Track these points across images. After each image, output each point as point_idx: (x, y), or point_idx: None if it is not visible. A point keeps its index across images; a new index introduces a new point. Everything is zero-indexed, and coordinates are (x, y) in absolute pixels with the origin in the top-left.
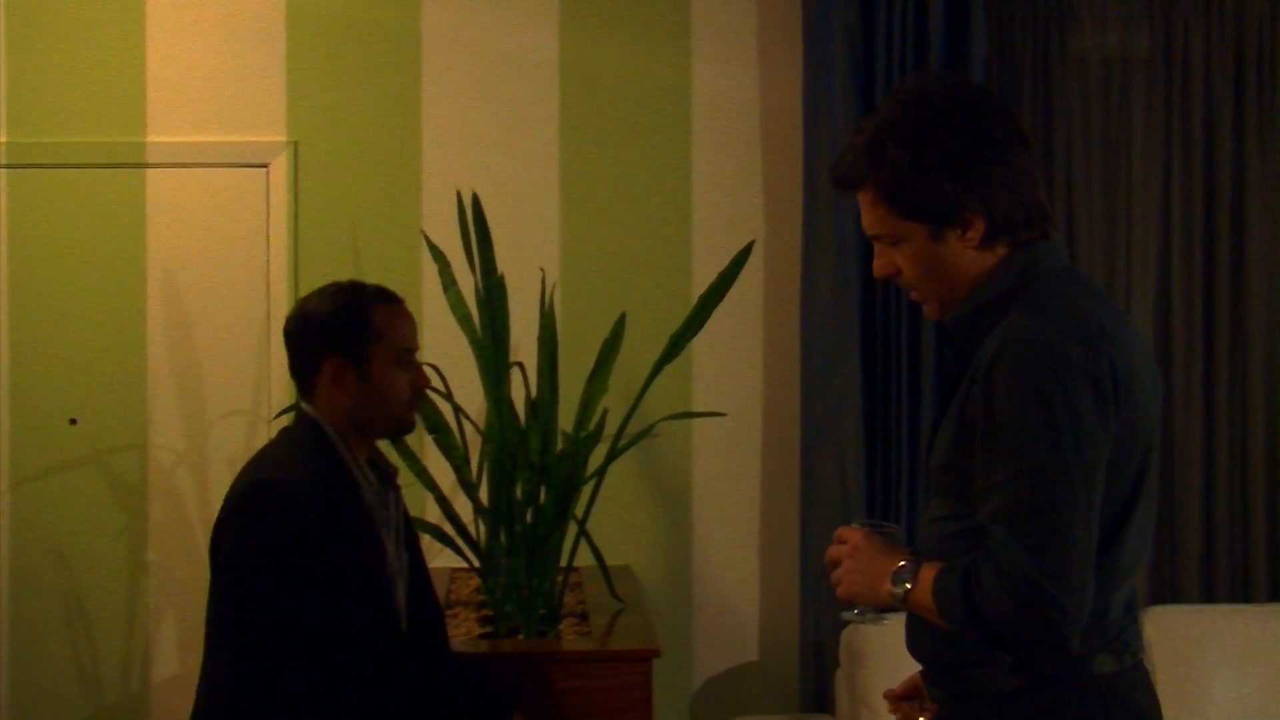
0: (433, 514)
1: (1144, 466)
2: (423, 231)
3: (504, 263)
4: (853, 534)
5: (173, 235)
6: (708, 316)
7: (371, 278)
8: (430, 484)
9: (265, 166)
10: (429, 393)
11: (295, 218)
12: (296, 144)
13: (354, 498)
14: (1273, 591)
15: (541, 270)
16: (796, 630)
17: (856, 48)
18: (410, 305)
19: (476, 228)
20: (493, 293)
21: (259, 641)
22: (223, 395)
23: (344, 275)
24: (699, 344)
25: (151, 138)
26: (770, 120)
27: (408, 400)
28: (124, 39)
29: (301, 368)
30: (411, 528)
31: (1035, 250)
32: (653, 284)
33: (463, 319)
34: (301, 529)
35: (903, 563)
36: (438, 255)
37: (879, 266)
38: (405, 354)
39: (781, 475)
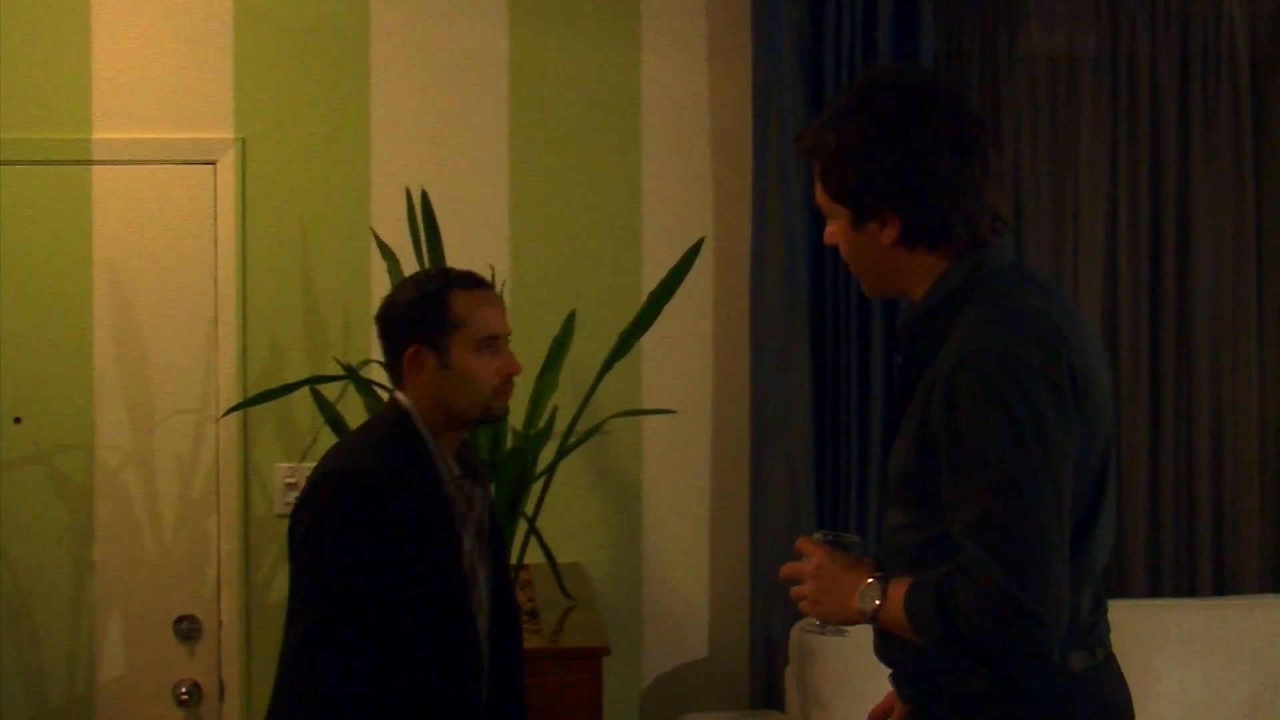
0: None
1: (1105, 462)
2: (372, 229)
3: (453, 259)
4: (814, 549)
5: (119, 232)
6: (657, 314)
7: (320, 275)
8: None
9: (213, 163)
10: (377, 389)
11: (243, 215)
12: (244, 141)
13: (433, 489)
14: (1217, 585)
15: (491, 267)
16: (746, 627)
17: (806, 45)
18: (359, 303)
19: (426, 225)
20: None
21: (326, 624)
22: (170, 394)
23: (293, 272)
24: (649, 341)
25: (98, 134)
26: (720, 117)
27: (494, 387)
28: (69, 34)
29: (388, 356)
30: (498, 530)
31: (982, 252)
32: (603, 281)
33: None
34: (372, 516)
35: (870, 579)
36: (387, 253)
37: (827, 234)
38: (488, 340)
39: (731, 472)
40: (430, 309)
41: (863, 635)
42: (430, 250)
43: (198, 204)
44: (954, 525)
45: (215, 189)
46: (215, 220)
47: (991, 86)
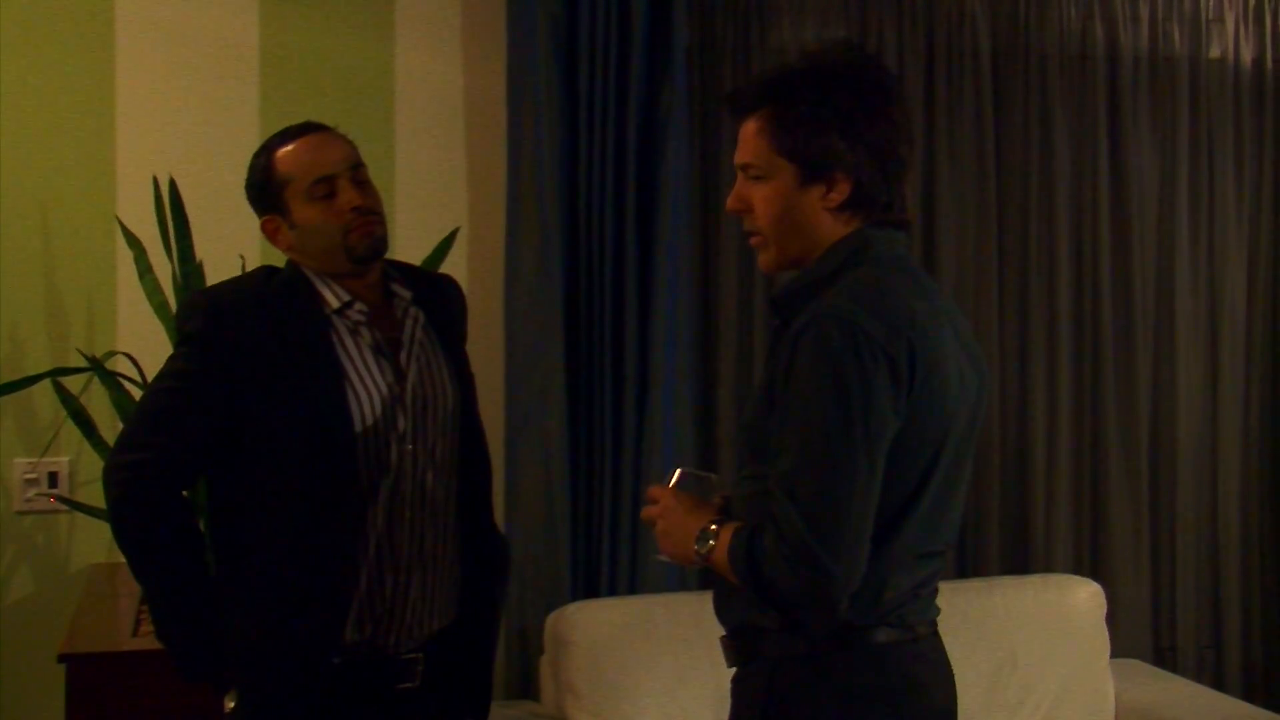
0: None
1: (937, 458)
2: (117, 217)
3: (203, 249)
4: (663, 494)
5: None
6: None
7: (63, 264)
8: None
9: None
10: (123, 382)
11: None
12: None
13: (305, 310)
14: (960, 568)
15: (241, 257)
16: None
17: (560, 34)
18: (103, 294)
19: (174, 213)
20: (190, 280)
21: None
22: None
23: (34, 262)
24: None
25: None
26: (474, 107)
27: (343, 228)
28: None
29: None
30: (458, 367)
31: (869, 237)
32: None
33: (159, 306)
34: (212, 330)
35: (709, 524)
36: (133, 242)
37: (732, 200)
38: (319, 185)
39: None
40: (263, 178)
41: (597, 632)
42: (179, 240)
43: None
44: (772, 473)
45: None
46: None
47: (744, 79)
